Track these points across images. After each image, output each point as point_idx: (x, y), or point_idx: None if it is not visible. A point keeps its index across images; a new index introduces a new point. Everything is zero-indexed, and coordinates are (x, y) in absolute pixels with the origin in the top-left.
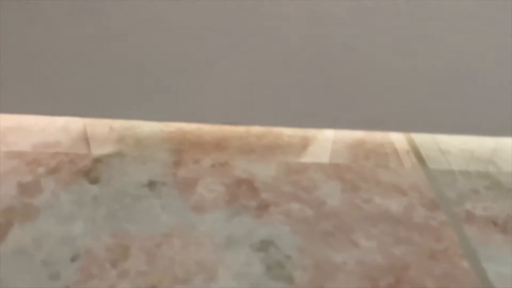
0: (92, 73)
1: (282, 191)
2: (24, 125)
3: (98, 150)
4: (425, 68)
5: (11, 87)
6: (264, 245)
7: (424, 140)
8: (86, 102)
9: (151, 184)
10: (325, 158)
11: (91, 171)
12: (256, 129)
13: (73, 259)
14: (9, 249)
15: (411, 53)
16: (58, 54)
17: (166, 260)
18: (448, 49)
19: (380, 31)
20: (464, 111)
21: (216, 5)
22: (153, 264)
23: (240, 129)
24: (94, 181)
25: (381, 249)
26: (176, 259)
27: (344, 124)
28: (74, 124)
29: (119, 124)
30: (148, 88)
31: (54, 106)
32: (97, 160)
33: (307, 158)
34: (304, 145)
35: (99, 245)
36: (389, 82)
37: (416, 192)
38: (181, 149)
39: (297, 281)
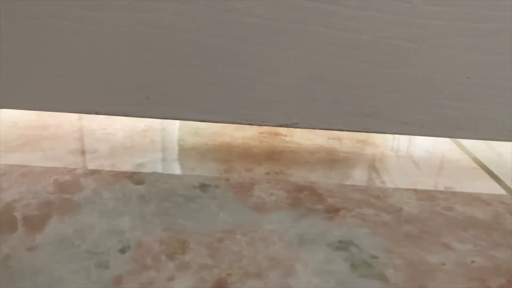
0: (142, 70)
1: (351, 198)
2: (59, 134)
3: (140, 158)
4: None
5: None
6: (344, 245)
7: (485, 154)
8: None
9: (203, 186)
10: (389, 170)
11: (135, 174)
12: (308, 144)
13: (123, 250)
14: (48, 239)
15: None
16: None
17: (232, 254)
18: None
19: (446, 33)
20: None
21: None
22: (218, 258)
23: (291, 145)
24: (139, 182)
25: (480, 252)
26: (244, 254)
27: (414, 129)
28: (112, 134)
29: (159, 135)
30: (202, 85)
31: (93, 101)
32: (140, 165)
33: (368, 170)
34: (363, 159)
35: (151, 238)
36: (464, 83)
37: (499, 202)
38: (230, 159)
39: (391, 280)
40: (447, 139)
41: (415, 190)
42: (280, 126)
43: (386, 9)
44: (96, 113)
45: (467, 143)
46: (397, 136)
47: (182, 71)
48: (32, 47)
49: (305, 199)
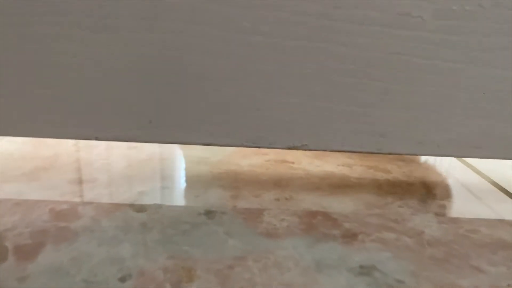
0: (138, 94)
1: (368, 222)
2: (57, 165)
3: (141, 187)
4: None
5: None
6: (366, 270)
7: (503, 177)
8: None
9: (209, 213)
10: (404, 195)
11: (136, 201)
12: (317, 171)
13: (123, 279)
14: (41, 268)
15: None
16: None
17: (244, 282)
18: None
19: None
20: None
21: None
22: (229, 286)
23: (299, 171)
24: (140, 210)
25: None
26: (257, 281)
27: (429, 149)
28: (112, 164)
29: (161, 165)
30: (207, 107)
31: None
32: (142, 193)
33: (383, 194)
34: (376, 184)
35: (154, 266)
36: (480, 99)
37: None
38: (236, 186)
39: None
40: (461, 163)
41: (435, 214)
42: (290, 148)
43: (395, 24)
44: (97, 138)
45: (482, 166)
46: (408, 161)
47: (186, 92)
48: (30, 71)
49: (319, 225)
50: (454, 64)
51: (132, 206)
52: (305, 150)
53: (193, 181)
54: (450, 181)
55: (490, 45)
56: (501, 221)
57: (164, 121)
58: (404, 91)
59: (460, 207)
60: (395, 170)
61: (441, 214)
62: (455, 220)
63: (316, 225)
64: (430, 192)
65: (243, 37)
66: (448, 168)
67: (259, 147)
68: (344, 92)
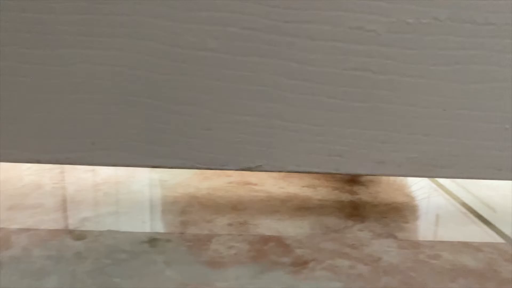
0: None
1: (322, 248)
2: (2, 190)
3: (87, 212)
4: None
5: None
6: None
7: (469, 197)
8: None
9: (153, 241)
10: (364, 217)
11: (77, 228)
12: (279, 193)
13: None
14: None
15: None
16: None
17: None
18: None
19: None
20: None
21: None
22: None
23: (261, 194)
24: (80, 237)
25: None
26: None
27: (390, 168)
28: (63, 188)
29: (114, 189)
30: (152, 126)
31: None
32: (86, 219)
33: (344, 217)
34: (339, 207)
35: None
36: (440, 116)
37: (492, 248)
38: (189, 210)
39: None
40: (432, 184)
41: (396, 238)
42: (243, 169)
43: (348, 39)
44: (38, 161)
45: (453, 187)
46: (376, 182)
47: (130, 111)
48: None
49: (270, 252)
50: (411, 79)
51: (71, 233)
52: (260, 171)
53: (144, 206)
54: (418, 203)
55: (448, 59)
56: (466, 245)
57: (108, 143)
58: (361, 108)
59: (425, 230)
60: (362, 191)
61: (402, 238)
62: (417, 245)
63: (266, 252)
64: (395, 214)
65: (189, 53)
66: (418, 188)
67: (211, 169)
68: (297, 110)
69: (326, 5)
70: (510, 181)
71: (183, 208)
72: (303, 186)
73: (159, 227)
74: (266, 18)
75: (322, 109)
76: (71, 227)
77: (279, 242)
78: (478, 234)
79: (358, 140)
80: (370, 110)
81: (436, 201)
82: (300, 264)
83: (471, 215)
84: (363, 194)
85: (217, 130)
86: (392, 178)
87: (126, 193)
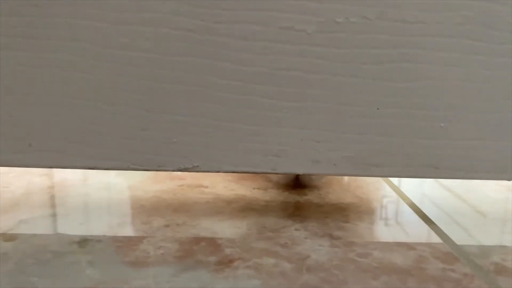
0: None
1: (253, 247)
2: None
3: (26, 215)
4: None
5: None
6: None
7: (415, 194)
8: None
9: (83, 241)
10: (306, 217)
11: (11, 230)
12: (228, 195)
13: None
14: None
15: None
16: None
17: None
18: None
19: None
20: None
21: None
22: None
23: (208, 196)
24: (10, 239)
25: None
26: None
27: (326, 167)
28: (9, 192)
29: (63, 192)
30: (87, 127)
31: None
32: (22, 222)
33: (284, 218)
34: (284, 207)
35: None
36: (374, 115)
37: (425, 246)
38: (130, 213)
39: None
40: (385, 184)
41: (332, 237)
42: (180, 170)
43: (280, 39)
44: None
45: (405, 187)
46: (330, 183)
47: (64, 112)
48: None
49: (198, 251)
50: (344, 78)
51: (2, 235)
52: (197, 172)
53: (87, 208)
54: (366, 203)
55: (379, 57)
56: (400, 244)
57: (45, 145)
58: (295, 108)
59: (364, 230)
60: (312, 193)
61: (337, 238)
62: (351, 244)
63: (194, 252)
64: (338, 214)
65: (122, 54)
66: (370, 189)
67: (147, 170)
68: (232, 109)
69: (257, 6)
70: (466, 181)
71: (124, 211)
72: (254, 188)
73: (94, 229)
74: (198, 19)
75: (257, 109)
76: (5, 229)
77: (211, 242)
78: (418, 234)
79: (293, 140)
80: (304, 110)
81: (384, 202)
82: (225, 263)
83: (417, 215)
84: (312, 195)
85: (152, 130)
86: (346, 179)
87: (73, 196)
